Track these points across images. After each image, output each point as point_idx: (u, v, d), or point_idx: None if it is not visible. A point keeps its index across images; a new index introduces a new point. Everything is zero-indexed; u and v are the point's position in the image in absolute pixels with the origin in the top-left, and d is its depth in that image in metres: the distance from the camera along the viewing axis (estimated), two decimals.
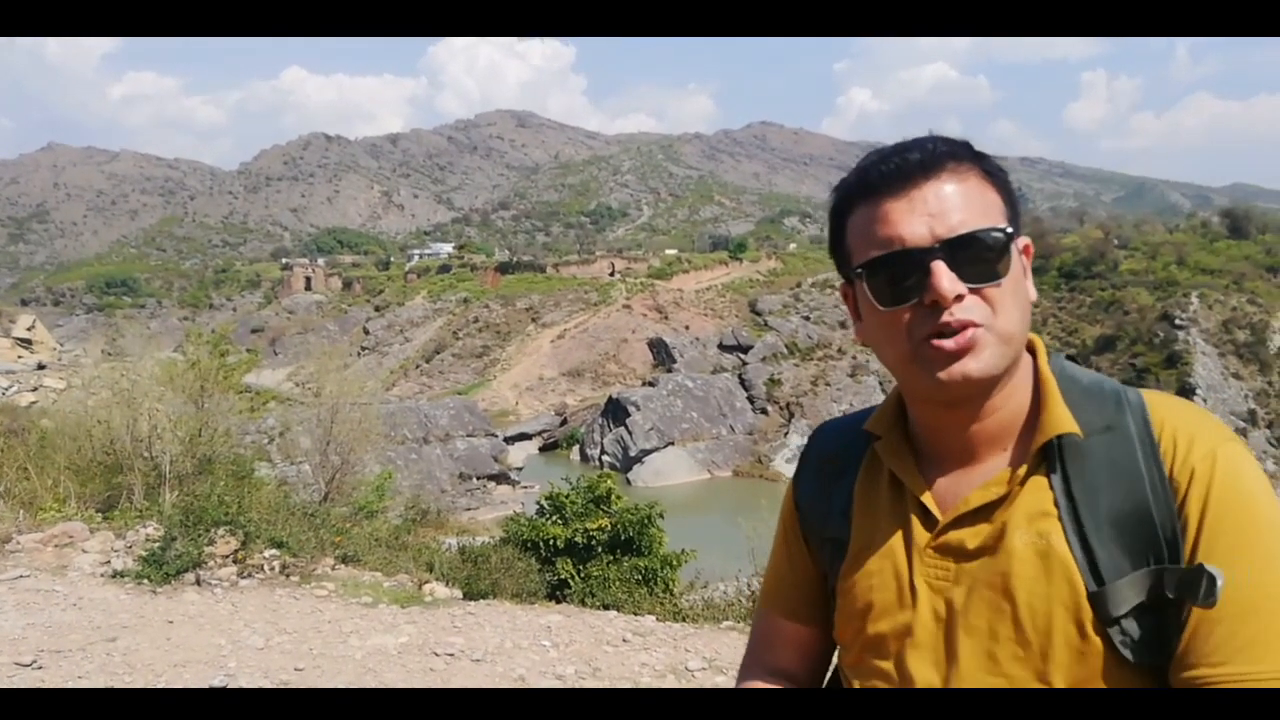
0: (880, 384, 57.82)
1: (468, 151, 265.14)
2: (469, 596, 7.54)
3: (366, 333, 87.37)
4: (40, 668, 5.01)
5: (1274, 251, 63.96)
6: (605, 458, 50.32)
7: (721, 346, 68.13)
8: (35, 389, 22.44)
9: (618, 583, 8.69)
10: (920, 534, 1.09)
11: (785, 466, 49.29)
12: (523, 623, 6.67)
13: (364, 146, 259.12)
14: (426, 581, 7.73)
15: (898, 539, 1.11)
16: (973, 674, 1.02)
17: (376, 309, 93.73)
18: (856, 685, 1.13)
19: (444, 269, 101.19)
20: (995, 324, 1.00)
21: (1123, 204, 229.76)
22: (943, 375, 1.01)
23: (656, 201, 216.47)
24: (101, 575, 6.84)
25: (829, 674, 1.27)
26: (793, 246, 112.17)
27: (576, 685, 5.40)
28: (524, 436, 58.49)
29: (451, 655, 5.75)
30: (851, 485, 1.20)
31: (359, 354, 74.75)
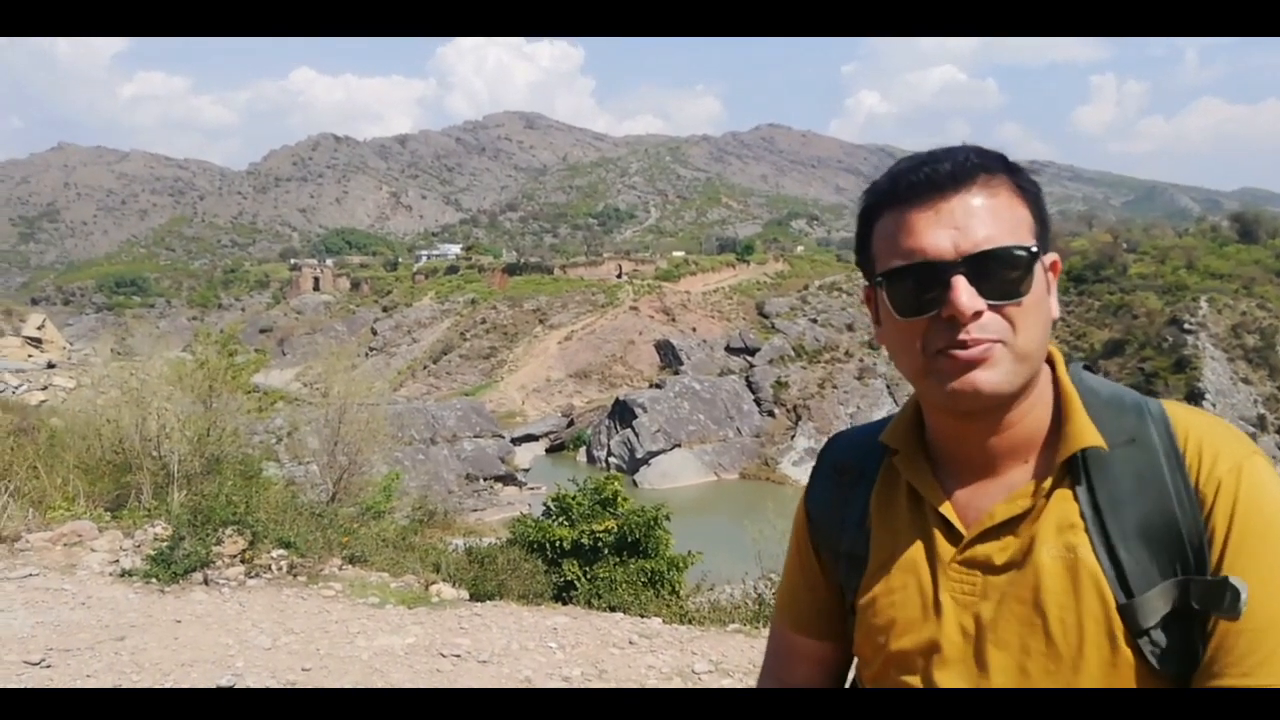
0: (888, 386, 57.76)
1: (476, 153, 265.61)
2: (475, 597, 7.54)
3: (374, 333, 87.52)
4: (49, 666, 5.02)
5: None
6: (612, 459, 50.41)
7: (728, 349, 68.13)
8: (45, 388, 22.52)
9: (624, 585, 8.69)
10: (944, 548, 1.08)
11: (792, 469, 49.29)
12: (529, 624, 6.67)
13: (372, 147, 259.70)
14: (433, 582, 7.74)
15: (920, 553, 1.10)
16: (1005, 687, 1.02)
17: (384, 310, 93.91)
18: None
19: (452, 270, 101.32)
20: (1013, 341, 1.00)
21: (1132, 208, 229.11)
22: (953, 386, 1.00)
23: (664, 203, 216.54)
24: (110, 574, 6.86)
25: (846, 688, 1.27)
26: (800, 249, 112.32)
27: (583, 687, 5.40)
28: (531, 438, 58.57)
29: (458, 656, 5.76)
30: (867, 498, 1.19)
31: (367, 354, 74.89)
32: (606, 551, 9.10)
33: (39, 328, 33.05)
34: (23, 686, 4.68)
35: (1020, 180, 1.05)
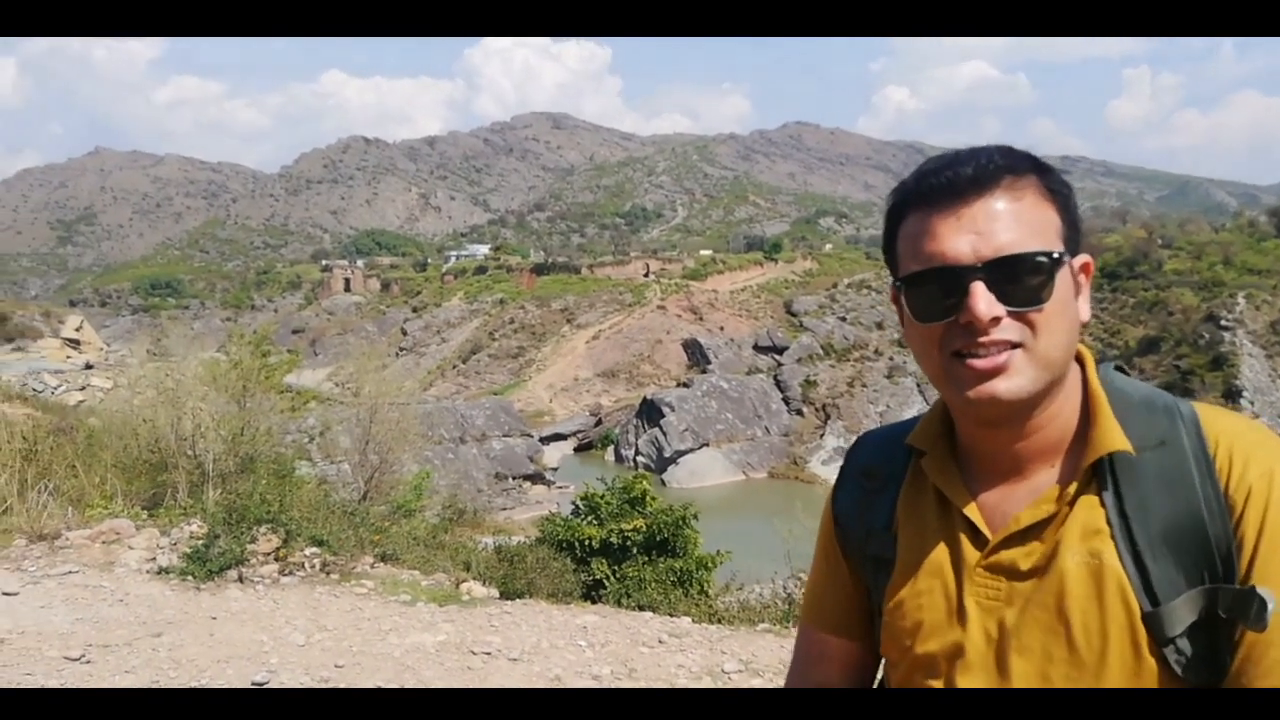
0: (918, 385, 57.25)
1: (504, 153, 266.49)
2: (505, 596, 7.58)
3: (404, 333, 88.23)
4: (89, 662, 5.12)
5: None
6: (640, 458, 50.38)
7: (756, 347, 67.91)
8: (83, 388, 22.92)
9: (653, 584, 8.69)
10: (970, 552, 1.07)
11: (821, 468, 49.02)
12: (559, 622, 6.69)
13: (402, 149, 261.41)
14: (464, 580, 7.78)
15: (946, 557, 1.09)
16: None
17: (414, 310, 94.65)
18: None
19: (480, 270, 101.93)
20: (1034, 346, 0.98)
21: (1166, 203, 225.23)
22: (971, 394, 0.99)
23: (691, 202, 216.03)
24: (147, 572, 6.96)
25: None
26: (828, 247, 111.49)
27: (613, 686, 5.42)
28: (559, 437, 58.78)
29: (489, 654, 5.79)
30: (894, 499, 1.18)
31: (397, 354, 75.55)
32: (635, 550, 9.10)
33: (77, 329, 33.63)
34: (64, 683, 4.77)
35: (1049, 182, 1.02)
